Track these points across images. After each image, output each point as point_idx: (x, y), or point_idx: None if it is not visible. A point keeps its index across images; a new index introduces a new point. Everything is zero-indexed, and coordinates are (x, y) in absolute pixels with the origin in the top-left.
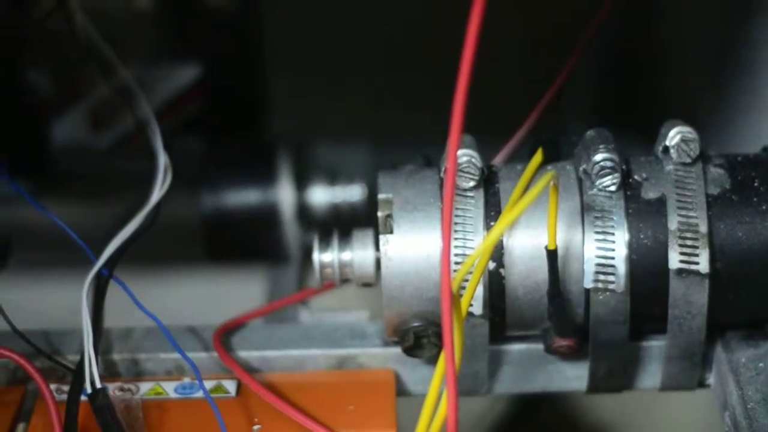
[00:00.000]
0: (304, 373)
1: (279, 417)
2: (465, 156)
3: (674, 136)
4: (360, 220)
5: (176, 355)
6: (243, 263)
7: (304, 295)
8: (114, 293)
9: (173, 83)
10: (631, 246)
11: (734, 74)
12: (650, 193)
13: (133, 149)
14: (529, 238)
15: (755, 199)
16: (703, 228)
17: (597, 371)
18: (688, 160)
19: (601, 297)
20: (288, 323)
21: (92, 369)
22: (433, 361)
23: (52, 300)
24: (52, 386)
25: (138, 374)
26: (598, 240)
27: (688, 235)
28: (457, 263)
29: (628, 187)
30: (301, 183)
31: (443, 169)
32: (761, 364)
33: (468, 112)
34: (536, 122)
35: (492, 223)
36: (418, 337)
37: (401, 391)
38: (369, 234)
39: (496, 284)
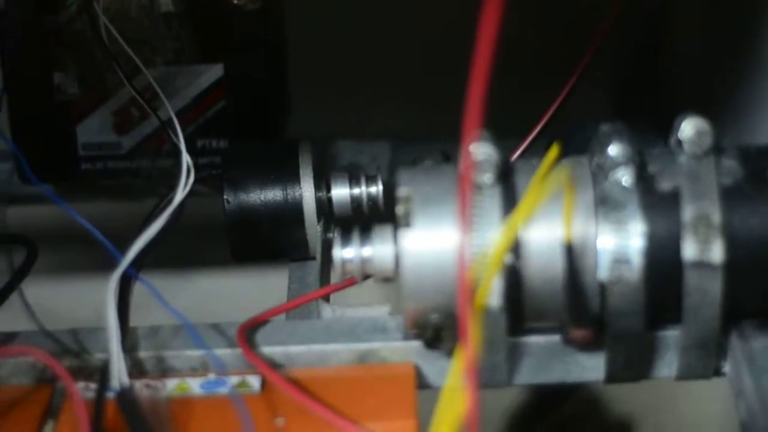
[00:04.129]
0: (327, 368)
1: (302, 411)
2: (482, 152)
3: (688, 128)
4: (381, 215)
5: (201, 352)
6: (265, 260)
7: (326, 291)
8: (137, 291)
9: (196, 84)
10: (646, 238)
11: (748, 65)
12: (664, 185)
13: (157, 149)
14: (545, 230)
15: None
16: (717, 219)
17: (614, 361)
18: (702, 152)
19: (616, 288)
20: (310, 319)
21: (119, 366)
22: (452, 353)
23: (79, 299)
24: (80, 384)
25: (164, 371)
26: (612, 232)
27: (702, 226)
28: (474, 257)
29: (642, 179)
30: (322, 180)
31: (461, 164)
32: None
33: (485, 108)
34: (552, 118)
35: (509, 217)
36: (437, 330)
37: (422, 383)
38: (388, 229)
39: (512, 277)
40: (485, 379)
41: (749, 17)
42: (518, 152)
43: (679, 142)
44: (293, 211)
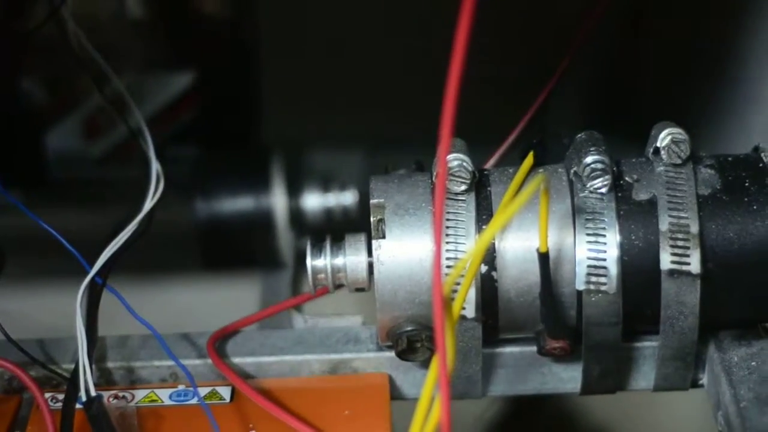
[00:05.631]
0: (299, 379)
1: (274, 422)
2: (456, 160)
3: (665, 137)
4: (353, 224)
5: (171, 363)
6: (237, 270)
7: (298, 300)
8: (108, 301)
9: (167, 91)
10: (623, 247)
11: (724, 75)
12: (641, 195)
13: (126, 157)
14: (520, 240)
15: (746, 199)
16: (694, 228)
17: (590, 372)
18: (679, 161)
19: (593, 298)
20: (282, 329)
21: (87, 377)
22: (427, 364)
23: (47, 309)
24: (47, 395)
25: (133, 382)
26: (589, 242)
27: (679, 235)
28: (449, 267)
29: (619, 188)
30: (294, 189)
31: (435, 173)
32: (753, 363)
33: (459, 116)
34: (527, 126)
35: (484, 227)
36: (411, 341)
37: (396, 395)
38: (361, 239)
39: (488, 287)
40: (460, 390)
41: (723, 29)
42: (493, 160)
43: (657, 151)
44: (265, 219)
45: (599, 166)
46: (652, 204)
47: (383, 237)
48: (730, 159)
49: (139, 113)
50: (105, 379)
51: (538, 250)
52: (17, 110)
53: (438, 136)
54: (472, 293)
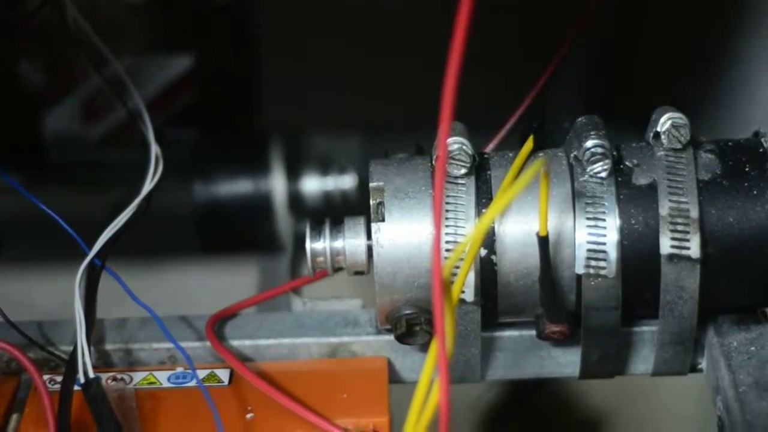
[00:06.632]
0: (297, 362)
1: (272, 405)
2: (456, 143)
3: (665, 122)
4: (353, 208)
5: (169, 345)
6: (236, 253)
7: (297, 283)
8: (107, 284)
9: (166, 74)
10: (623, 231)
11: (724, 60)
12: (641, 179)
13: (125, 140)
14: (520, 224)
15: (746, 184)
16: (694, 213)
17: (589, 357)
18: (679, 146)
19: (592, 282)
20: (281, 312)
21: (85, 359)
22: (426, 348)
23: (45, 291)
24: (46, 377)
25: (131, 364)
26: (589, 226)
27: (679, 220)
28: (448, 250)
29: (619, 173)
30: (294, 172)
31: (435, 156)
32: (753, 348)
33: (459, 100)
34: (527, 110)
35: (483, 210)
36: (411, 325)
37: (394, 378)
38: (360, 222)
39: (487, 271)
40: (459, 374)
41: (723, 14)
42: (493, 144)
43: (657, 136)
44: (264, 202)
45: (599, 150)
46: (652, 188)
47: (382, 220)
48: (730, 144)
49: (138, 96)
50: (103, 361)
51: (537, 233)
52: (16, 92)
53: (438, 119)
54: (471, 277)
